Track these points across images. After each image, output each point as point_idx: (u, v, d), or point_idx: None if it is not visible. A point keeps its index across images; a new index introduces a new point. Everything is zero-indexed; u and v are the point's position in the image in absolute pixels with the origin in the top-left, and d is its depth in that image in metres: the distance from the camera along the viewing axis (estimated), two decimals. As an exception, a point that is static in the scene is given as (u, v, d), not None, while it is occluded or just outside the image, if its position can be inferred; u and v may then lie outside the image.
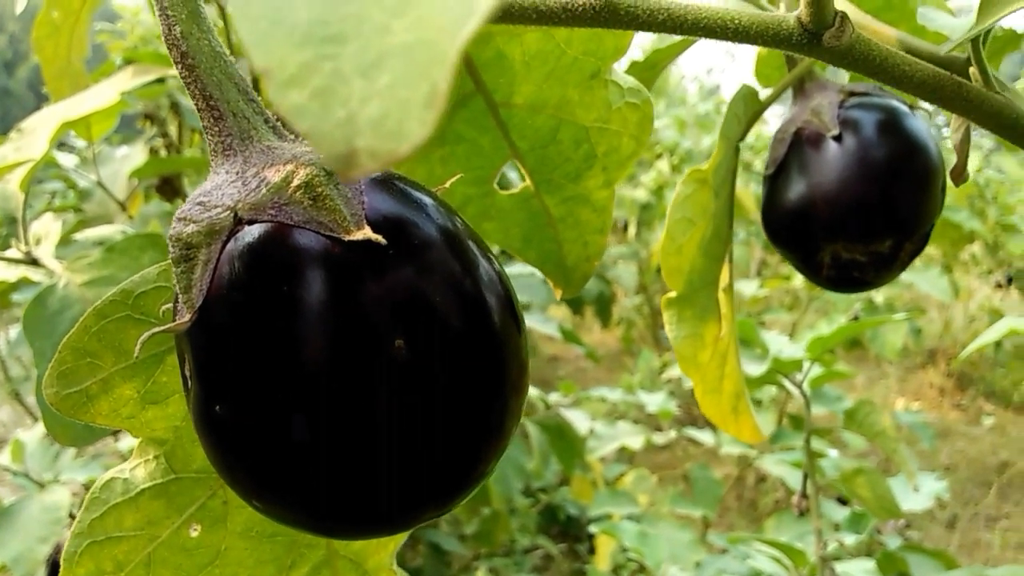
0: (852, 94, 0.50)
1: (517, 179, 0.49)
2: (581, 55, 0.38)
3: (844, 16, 0.25)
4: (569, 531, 2.48)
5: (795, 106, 0.52)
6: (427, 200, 0.25)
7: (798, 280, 2.42)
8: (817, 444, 1.56)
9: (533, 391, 1.86)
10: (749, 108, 0.52)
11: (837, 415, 1.48)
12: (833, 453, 1.66)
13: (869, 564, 1.22)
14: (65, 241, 0.96)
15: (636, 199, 3.46)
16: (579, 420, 1.95)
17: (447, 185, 0.28)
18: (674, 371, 2.26)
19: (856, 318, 2.36)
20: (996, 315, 3.80)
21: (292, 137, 0.25)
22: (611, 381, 3.51)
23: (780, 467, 1.68)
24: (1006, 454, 3.67)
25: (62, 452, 1.28)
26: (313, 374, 0.21)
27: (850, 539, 1.16)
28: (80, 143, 1.55)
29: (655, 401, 1.82)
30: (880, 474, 1.01)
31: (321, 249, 0.22)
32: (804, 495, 1.03)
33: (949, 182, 0.49)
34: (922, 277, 2.14)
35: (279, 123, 0.25)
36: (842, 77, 0.56)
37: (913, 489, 1.12)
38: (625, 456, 2.84)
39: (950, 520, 3.23)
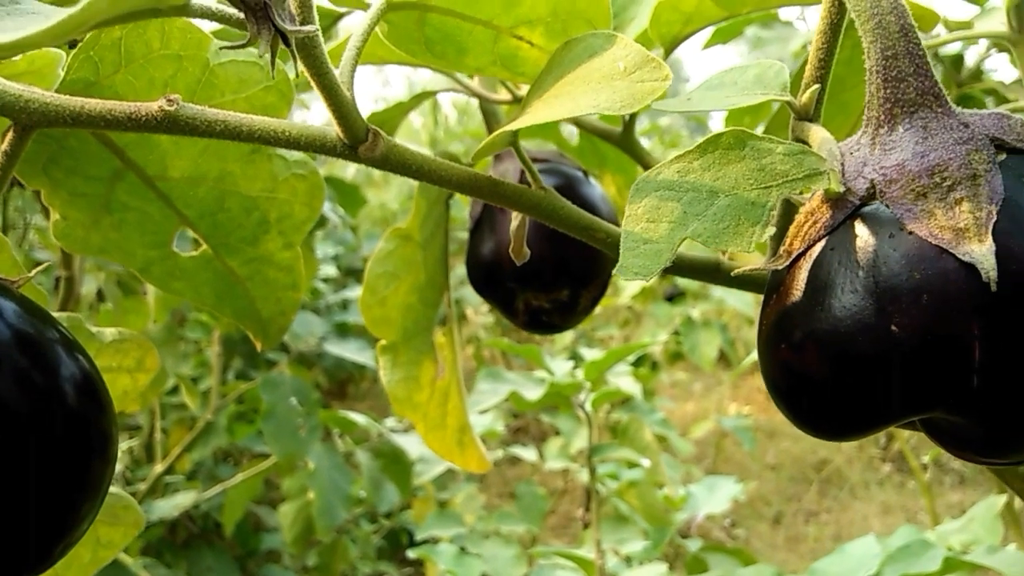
0: (535, 160, 0.56)
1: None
2: (237, 133, 0.41)
3: (376, 132, 0.29)
4: (413, 554, 2.49)
5: (491, 169, 0.58)
6: None
7: (625, 297, 2.56)
8: (633, 455, 1.66)
9: (361, 419, 1.86)
10: (449, 169, 0.57)
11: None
12: (646, 462, 1.76)
13: (661, 568, 1.31)
14: None
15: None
16: (412, 445, 1.97)
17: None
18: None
19: (677, 332, 2.53)
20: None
21: None
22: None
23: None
24: (824, 452, 4.02)
25: None
26: None
27: (639, 545, 1.25)
28: None
29: (481, 423, 1.87)
30: (651, 487, 1.10)
31: None
32: (587, 509, 1.10)
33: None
34: (729, 292, 2.32)
35: None
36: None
37: (665, 502, 1.23)
38: (476, 475, 2.88)
39: (776, 516, 3.50)
